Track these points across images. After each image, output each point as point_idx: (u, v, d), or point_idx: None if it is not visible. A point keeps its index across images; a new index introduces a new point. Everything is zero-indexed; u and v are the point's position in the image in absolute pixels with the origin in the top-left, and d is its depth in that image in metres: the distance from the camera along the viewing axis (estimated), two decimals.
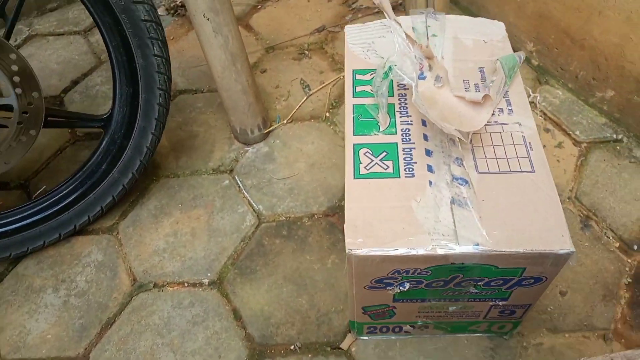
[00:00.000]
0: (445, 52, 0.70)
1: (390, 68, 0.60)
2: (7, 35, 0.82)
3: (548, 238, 0.52)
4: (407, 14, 1.17)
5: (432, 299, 0.64)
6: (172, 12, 1.39)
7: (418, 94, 0.56)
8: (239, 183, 1.00)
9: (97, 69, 1.27)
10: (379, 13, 1.31)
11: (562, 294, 0.81)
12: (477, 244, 0.52)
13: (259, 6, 1.39)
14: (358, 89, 0.67)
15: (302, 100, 1.13)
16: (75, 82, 1.25)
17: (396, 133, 0.62)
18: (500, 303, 0.64)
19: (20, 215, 0.89)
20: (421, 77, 0.63)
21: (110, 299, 0.87)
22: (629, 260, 0.83)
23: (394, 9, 0.64)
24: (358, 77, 0.69)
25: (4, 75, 0.74)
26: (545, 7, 1.03)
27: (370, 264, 0.55)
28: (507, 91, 0.65)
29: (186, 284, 0.88)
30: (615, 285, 0.81)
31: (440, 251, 0.52)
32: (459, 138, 0.57)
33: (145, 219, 0.97)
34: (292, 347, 0.79)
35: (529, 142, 0.60)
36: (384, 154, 0.60)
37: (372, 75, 0.68)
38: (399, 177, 0.58)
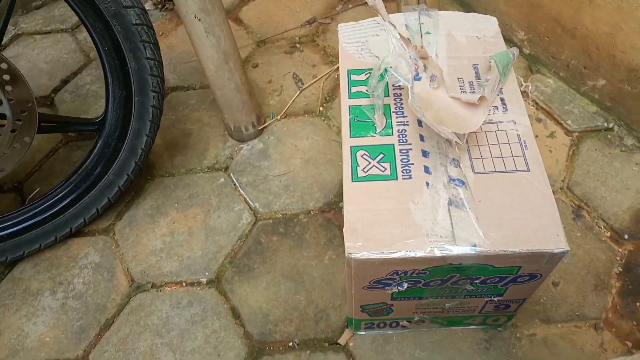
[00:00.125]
0: (439, 50, 0.70)
1: (385, 70, 0.60)
2: None
3: (543, 237, 0.53)
4: (397, 5, 1.16)
5: (430, 297, 0.65)
6: (159, 6, 1.36)
7: (414, 96, 0.56)
8: (235, 181, 1.00)
9: (87, 67, 1.25)
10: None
11: (554, 284, 0.82)
12: (475, 245, 0.53)
13: None
14: (354, 89, 0.67)
15: (295, 95, 1.12)
16: (65, 82, 1.23)
17: (392, 134, 0.62)
18: (495, 299, 0.65)
19: (16, 220, 0.89)
20: (416, 78, 0.64)
21: (109, 300, 0.87)
22: (620, 250, 0.85)
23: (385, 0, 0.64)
24: (353, 77, 0.69)
25: None
26: None
27: (370, 266, 0.55)
28: (501, 88, 0.66)
29: (184, 284, 0.88)
30: (606, 274, 0.83)
31: (438, 253, 0.53)
32: (455, 141, 0.58)
33: (141, 219, 0.97)
34: (290, 344, 0.80)
35: (524, 141, 0.61)
36: (381, 155, 0.60)
37: (367, 75, 0.68)
38: (397, 179, 0.58)
